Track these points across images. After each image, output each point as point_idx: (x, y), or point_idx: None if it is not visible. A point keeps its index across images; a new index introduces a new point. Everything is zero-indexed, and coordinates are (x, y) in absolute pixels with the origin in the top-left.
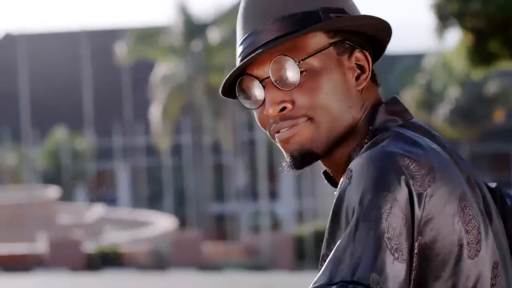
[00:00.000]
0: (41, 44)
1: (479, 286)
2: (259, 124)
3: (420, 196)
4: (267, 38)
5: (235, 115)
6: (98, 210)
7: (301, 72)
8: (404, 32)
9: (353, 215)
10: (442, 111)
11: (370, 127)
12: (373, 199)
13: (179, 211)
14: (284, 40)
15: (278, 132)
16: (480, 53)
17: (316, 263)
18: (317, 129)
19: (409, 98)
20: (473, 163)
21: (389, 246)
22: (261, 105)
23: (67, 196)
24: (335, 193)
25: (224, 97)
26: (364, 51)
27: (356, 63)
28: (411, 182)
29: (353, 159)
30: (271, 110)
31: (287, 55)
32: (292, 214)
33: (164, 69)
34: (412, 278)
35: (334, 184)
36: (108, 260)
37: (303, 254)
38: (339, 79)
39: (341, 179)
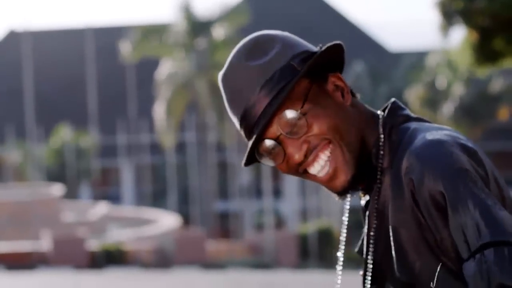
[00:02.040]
0: (45, 41)
1: None
2: (287, 174)
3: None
4: (262, 106)
5: None
6: (102, 208)
7: (303, 115)
8: (409, 30)
9: (459, 193)
10: (447, 109)
11: (383, 128)
12: (465, 173)
13: (183, 209)
14: (278, 104)
15: (307, 169)
16: (485, 51)
17: (319, 261)
18: (343, 152)
19: (413, 96)
20: None
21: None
22: (284, 158)
23: (71, 194)
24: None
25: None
26: (335, 73)
27: (334, 85)
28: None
29: (373, 159)
30: (297, 156)
31: (286, 110)
32: (296, 212)
33: (169, 66)
34: None
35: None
36: (112, 258)
37: (307, 253)
38: (332, 103)
39: (404, 175)
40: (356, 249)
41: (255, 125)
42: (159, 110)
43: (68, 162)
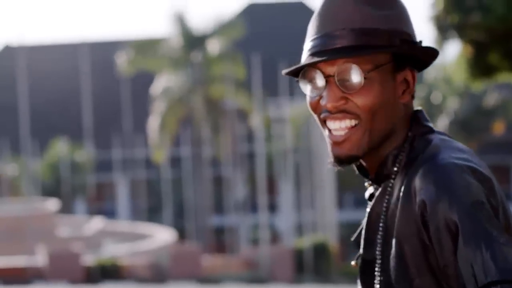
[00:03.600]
0: (40, 55)
1: None
2: (309, 107)
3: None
4: (345, 43)
5: (234, 127)
6: (97, 223)
7: (363, 79)
8: None
9: (469, 222)
10: (442, 123)
11: (409, 134)
12: (481, 207)
13: (179, 223)
14: (357, 54)
15: (327, 120)
16: (480, 65)
17: (315, 275)
18: (364, 136)
19: None
20: None
21: None
22: (319, 96)
23: (66, 209)
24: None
25: (286, 75)
26: (413, 71)
27: (404, 78)
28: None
29: (390, 159)
30: (330, 105)
31: (355, 64)
32: (292, 227)
33: (164, 81)
34: None
35: (365, 174)
36: (107, 272)
37: (302, 267)
38: (391, 91)
39: (417, 193)
40: (352, 238)
41: (326, 52)
42: (153, 125)
43: (64, 177)
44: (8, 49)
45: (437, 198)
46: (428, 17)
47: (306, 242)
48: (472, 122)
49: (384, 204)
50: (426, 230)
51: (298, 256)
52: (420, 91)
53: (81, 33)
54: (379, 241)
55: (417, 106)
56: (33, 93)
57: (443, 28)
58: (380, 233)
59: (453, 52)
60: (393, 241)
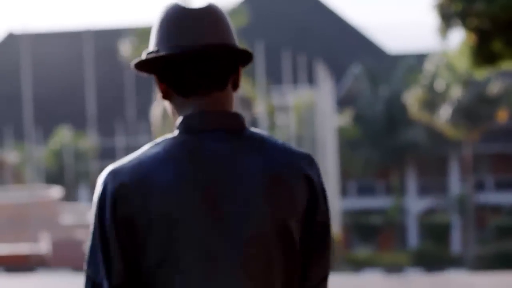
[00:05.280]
0: (44, 43)
1: None
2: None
3: None
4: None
5: None
6: None
7: None
8: (407, 32)
9: None
10: (445, 111)
11: None
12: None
13: None
14: None
15: None
16: (483, 53)
17: None
18: None
19: (412, 98)
20: (475, 163)
21: None
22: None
23: (70, 196)
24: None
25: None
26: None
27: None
28: None
29: None
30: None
31: None
32: None
33: None
34: None
35: None
36: None
37: None
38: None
39: None
40: None
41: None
42: (156, 112)
43: (67, 164)
44: (11, 37)
45: None
46: (432, 5)
47: None
48: (475, 110)
49: None
50: None
51: None
52: (423, 79)
53: (85, 21)
54: None
55: (420, 94)
56: (36, 81)
57: (447, 16)
58: None
59: (456, 40)
60: None
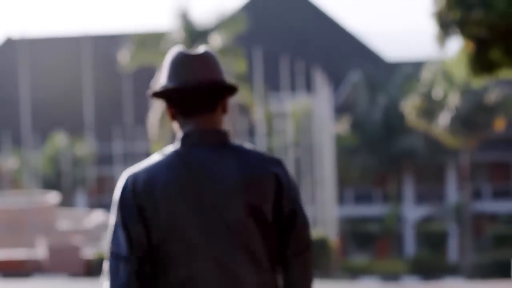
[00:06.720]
0: (42, 48)
1: None
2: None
3: None
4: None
5: (235, 121)
6: (97, 216)
7: None
8: (405, 40)
9: None
10: (443, 119)
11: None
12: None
13: None
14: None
15: None
16: (481, 61)
17: (315, 271)
18: None
19: (409, 106)
20: (473, 172)
21: None
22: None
23: (67, 202)
24: None
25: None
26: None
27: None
28: None
29: None
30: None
31: None
32: None
33: None
34: None
35: None
36: None
37: None
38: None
39: None
40: None
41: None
42: (153, 119)
43: (64, 170)
44: (9, 42)
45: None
46: (430, 13)
47: None
48: (473, 118)
49: None
50: None
51: None
52: (421, 87)
53: (83, 26)
54: None
55: (417, 102)
56: (34, 86)
57: (445, 24)
58: None
59: (454, 48)
60: None
